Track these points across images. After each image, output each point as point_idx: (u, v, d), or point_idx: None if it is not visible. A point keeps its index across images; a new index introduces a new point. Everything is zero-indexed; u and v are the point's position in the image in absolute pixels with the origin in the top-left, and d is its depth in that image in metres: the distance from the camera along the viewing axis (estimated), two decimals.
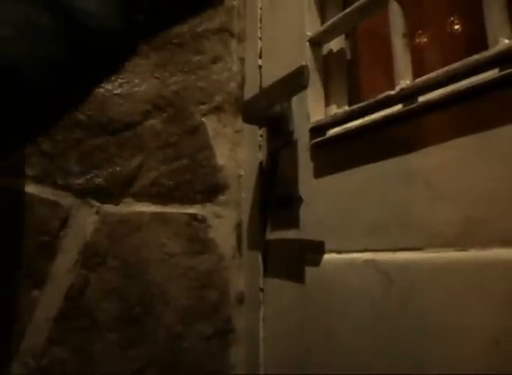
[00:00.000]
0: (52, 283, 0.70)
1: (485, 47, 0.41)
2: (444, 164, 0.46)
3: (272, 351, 0.70)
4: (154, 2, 0.30)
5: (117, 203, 0.75)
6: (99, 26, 0.27)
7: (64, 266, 0.71)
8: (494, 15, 0.40)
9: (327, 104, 0.65)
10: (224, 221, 0.80)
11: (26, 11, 0.24)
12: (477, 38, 0.44)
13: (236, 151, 0.83)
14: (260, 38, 0.80)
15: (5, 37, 0.23)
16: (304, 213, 0.65)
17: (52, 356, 0.68)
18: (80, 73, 0.29)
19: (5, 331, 0.67)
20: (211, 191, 0.80)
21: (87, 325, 0.70)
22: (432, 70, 0.46)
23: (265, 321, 0.72)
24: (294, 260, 0.66)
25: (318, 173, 0.63)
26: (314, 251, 0.62)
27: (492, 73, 0.41)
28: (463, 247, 0.42)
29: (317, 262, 0.61)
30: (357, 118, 0.56)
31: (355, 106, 0.56)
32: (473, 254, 0.41)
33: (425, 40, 0.69)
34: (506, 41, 0.39)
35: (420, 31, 0.70)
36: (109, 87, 0.76)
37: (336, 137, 0.59)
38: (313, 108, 0.64)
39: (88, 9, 0.26)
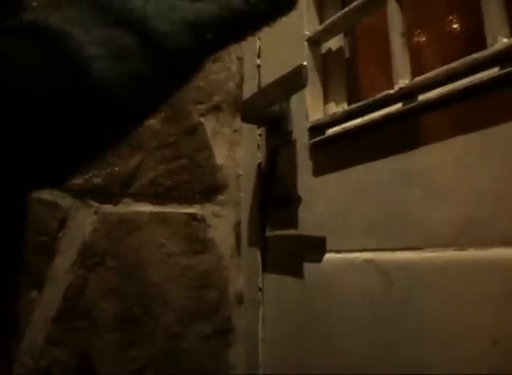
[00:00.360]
0: (51, 284, 0.70)
1: (485, 46, 0.41)
2: (443, 163, 0.46)
3: (271, 351, 0.70)
4: (222, 23, 0.32)
5: (116, 203, 0.75)
6: (173, 45, 0.30)
7: (63, 266, 0.71)
8: (492, 14, 0.40)
9: (326, 103, 0.65)
10: (223, 221, 0.80)
11: (111, 34, 0.28)
12: (476, 37, 0.44)
13: (235, 150, 0.82)
14: (258, 38, 0.79)
15: (95, 56, 0.27)
16: (303, 213, 0.65)
17: (51, 357, 0.68)
18: (158, 88, 0.32)
19: (4, 332, 0.67)
20: (210, 190, 0.80)
21: (85, 325, 0.70)
22: (431, 69, 0.46)
23: (265, 321, 0.72)
24: (293, 259, 0.66)
25: (317, 172, 0.63)
26: (313, 250, 0.62)
27: (491, 72, 0.41)
28: (462, 246, 0.42)
29: (316, 262, 0.61)
30: (356, 117, 0.56)
31: (354, 105, 0.56)
32: (472, 253, 0.41)
33: (424, 39, 0.69)
34: (505, 39, 0.39)
35: (419, 30, 0.69)
36: None
37: (335, 136, 0.59)
38: (312, 107, 0.64)
39: (162, 29, 0.29)
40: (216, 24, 0.32)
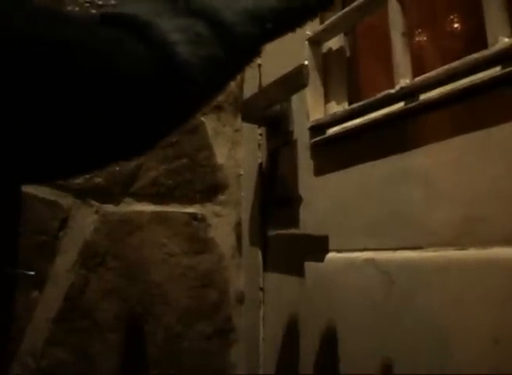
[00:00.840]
0: (52, 284, 0.70)
1: (486, 45, 0.41)
2: (444, 163, 0.45)
3: (272, 351, 0.70)
4: (280, 14, 0.38)
5: (117, 203, 0.75)
6: (240, 33, 0.35)
7: (63, 266, 0.71)
8: (493, 13, 0.40)
9: (327, 103, 0.65)
10: (224, 220, 0.80)
11: (186, 22, 0.33)
12: (478, 36, 0.44)
13: (236, 150, 0.83)
14: None
15: (177, 41, 0.31)
16: (304, 212, 0.65)
17: (52, 357, 0.68)
18: (228, 70, 0.38)
19: (4, 332, 0.67)
20: (211, 190, 0.80)
21: (86, 325, 0.70)
22: (432, 69, 0.46)
23: (265, 321, 0.72)
24: (294, 259, 0.66)
25: (318, 172, 0.63)
26: (314, 249, 0.62)
27: (493, 72, 0.41)
28: (463, 246, 0.42)
29: (317, 261, 0.61)
30: (357, 117, 0.56)
31: (355, 105, 0.56)
32: (473, 253, 0.41)
33: (425, 38, 0.69)
34: (506, 39, 0.39)
35: (420, 30, 0.69)
36: None
37: (336, 136, 0.59)
38: (313, 107, 0.64)
39: (230, 19, 0.35)
40: (274, 15, 0.37)
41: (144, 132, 0.33)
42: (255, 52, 0.39)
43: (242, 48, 0.36)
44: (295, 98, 0.67)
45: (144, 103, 0.31)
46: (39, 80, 0.26)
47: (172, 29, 0.32)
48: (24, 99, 0.26)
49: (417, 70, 0.50)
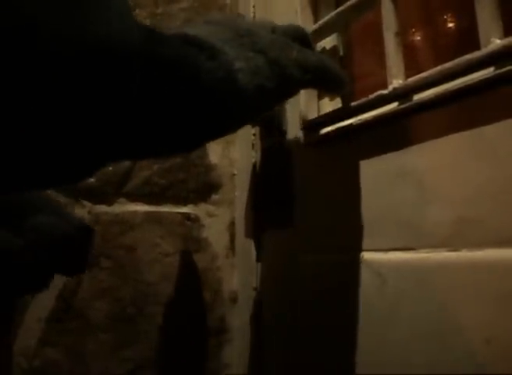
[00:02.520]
0: None
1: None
2: (437, 163, 0.46)
3: (266, 350, 0.70)
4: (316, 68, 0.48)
5: (110, 203, 0.75)
6: (289, 74, 0.44)
7: None
8: (486, 14, 0.40)
9: (320, 102, 0.65)
10: (217, 220, 0.80)
11: (249, 55, 0.40)
12: (472, 36, 0.44)
13: (230, 149, 0.82)
14: None
15: (241, 68, 0.39)
16: (297, 212, 0.65)
17: (44, 357, 0.68)
18: (271, 100, 0.47)
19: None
20: (205, 190, 0.80)
21: (79, 325, 0.70)
22: (426, 69, 0.46)
23: (259, 320, 0.72)
24: (288, 259, 0.66)
25: (311, 171, 0.63)
26: (308, 249, 0.62)
27: (486, 72, 0.41)
28: (455, 247, 0.42)
29: (310, 261, 0.61)
30: (350, 117, 0.56)
31: (348, 105, 0.56)
32: (465, 254, 0.41)
33: (419, 38, 0.69)
34: (498, 41, 0.39)
35: (413, 29, 0.69)
36: None
37: (329, 135, 0.59)
38: (306, 106, 0.63)
39: (282, 62, 0.44)
40: (313, 69, 0.47)
41: (201, 134, 0.40)
42: (295, 91, 0.50)
43: (287, 85, 0.45)
44: None
45: (208, 111, 0.38)
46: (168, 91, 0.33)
47: (238, 57, 0.39)
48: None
49: (411, 70, 0.50)
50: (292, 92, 0.49)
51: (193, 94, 0.35)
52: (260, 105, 0.44)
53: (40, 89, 0.24)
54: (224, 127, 0.42)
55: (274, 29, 0.47)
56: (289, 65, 0.44)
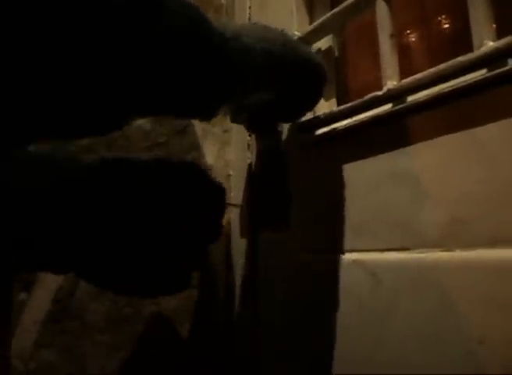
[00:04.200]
0: (40, 285, 0.69)
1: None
2: (431, 164, 0.46)
3: (264, 350, 0.71)
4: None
5: None
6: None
7: None
8: (479, 16, 0.41)
9: None
10: None
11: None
12: (466, 38, 0.45)
13: (225, 150, 0.82)
14: None
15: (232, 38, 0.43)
16: (293, 213, 0.65)
17: (41, 359, 0.68)
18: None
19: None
20: None
21: (75, 327, 0.70)
22: (421, 70, 0.47)
23: (257, 321, 0.73)
24: (284, 260, 0.66)
25: (306, 172, 0.63)
26: (304, 250, 0.62)
27: (479, 74, 0.41)
28: (449, 247, 0.43)
29: (307, 262, 0.61)
30: (345, 118, 0.56)
31: (343, 106, 0.56)
32: (458, 254, 0.42)
33: (413, 39, 0.70)
34: (491, 43, 0.40)
35: (408, 31, 0.70)
36: None
37: (324, 136, 0.59)
38: None
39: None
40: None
41: (213, 96, 0.44)
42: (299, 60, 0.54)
43: (293, 54, 0.51)
44: None
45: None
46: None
47: (246, 35, 0.45)
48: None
49: (406, 71, 0.50)
50: (297, 61, 0.52)
51: (204, 51, 0.39)
52: (268, 72, 0.48)
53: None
54: (235, 88, 0.46)
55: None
56: (296, 44, 0.53)
